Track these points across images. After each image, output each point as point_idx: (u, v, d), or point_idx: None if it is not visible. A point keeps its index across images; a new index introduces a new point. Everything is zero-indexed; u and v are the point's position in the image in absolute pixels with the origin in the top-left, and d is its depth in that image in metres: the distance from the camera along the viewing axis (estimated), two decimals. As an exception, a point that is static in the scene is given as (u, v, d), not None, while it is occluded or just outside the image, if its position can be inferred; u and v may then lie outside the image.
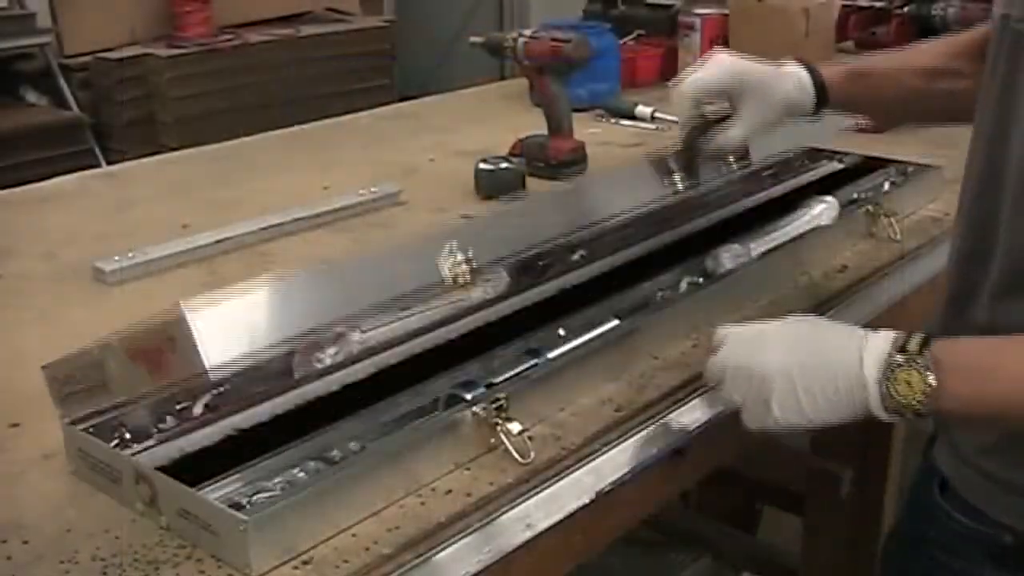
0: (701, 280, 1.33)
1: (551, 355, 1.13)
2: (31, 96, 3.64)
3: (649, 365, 1.17)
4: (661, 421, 1.10)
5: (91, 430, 1.00)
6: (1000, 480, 0.98)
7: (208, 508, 0.87)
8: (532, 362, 1.12)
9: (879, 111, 1.43)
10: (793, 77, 1.27)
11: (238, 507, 0.90)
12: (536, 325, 1.20)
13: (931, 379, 0.89)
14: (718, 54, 1.29)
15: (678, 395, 1.13)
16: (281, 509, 0.86)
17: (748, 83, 1.26)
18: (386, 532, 0.90)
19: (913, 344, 0.92)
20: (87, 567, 0.87)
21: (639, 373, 1.15)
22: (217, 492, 0.92)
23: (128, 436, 1.03)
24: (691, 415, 1.12)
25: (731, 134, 1.28)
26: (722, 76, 1.27)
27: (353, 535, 0.90)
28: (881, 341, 0.93)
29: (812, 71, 1.27)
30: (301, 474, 0.97)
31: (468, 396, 1.04)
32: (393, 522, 0.91)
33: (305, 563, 0.87)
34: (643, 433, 1.08)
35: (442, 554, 0.90)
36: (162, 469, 0.94)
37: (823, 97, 1.27)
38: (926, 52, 1.29)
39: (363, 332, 1.16)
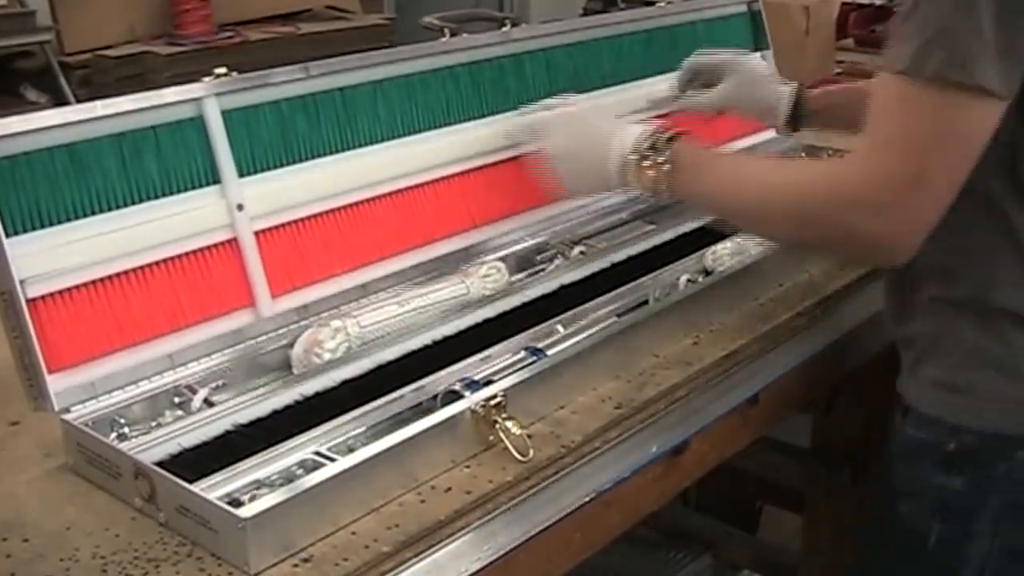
0: (700, 278, 1.33)
1: (550, 352, 1.13)
2: (31, 94, 3.63)
3: (649, 363, 1.16)
4: (660, 419, 1.10)
5: (90, 424, 1.00)
6: (942, 384, 1.09)
7: (207, 506, 0.87)
8: (531, 359, 1.12)
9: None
10: (773, 84, 1.50)
11: (237, 504, 0.90)
12: (535, 322, 1.19)
13: (668, 150, 1.17)
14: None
15: (678, 393, 1.13)
16: (280, 506, 0.86)
17: (734, 70, 1.49)
18: (385, 530, 0.90)
19: (661, 141, 1.18)
20: (87, 565, 0.87)
21: (639, 371, 1.15)
22: (216, 489, 0.92)
23: (127, 431, 1.03)
24: (690, 413, 1.12)
25: (702, 100, 1.51)
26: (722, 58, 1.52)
27: (353, 533, 0.90)
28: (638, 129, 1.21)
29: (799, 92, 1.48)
30: (300, 471, 0.97)
31: (467, 393, 1.04)
32: (393, 520, 0.91)
33: (305, 560, 0.87)
34: (643, 431, 1.08)
35: (442, 552, 0.90)
36: (160, 465, 0.94)
37: (799, 110, 1.48)
38: None
39: (362, 327, 1.16)
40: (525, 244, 1.41)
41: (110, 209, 1.06)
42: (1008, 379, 1.06)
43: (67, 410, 1.01)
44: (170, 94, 1.10)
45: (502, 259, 1.34)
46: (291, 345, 1.15)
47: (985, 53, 0.95)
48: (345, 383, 1.11)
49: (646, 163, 1.18)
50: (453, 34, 1.37)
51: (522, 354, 1.13)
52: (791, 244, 1.31)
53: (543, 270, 1.38)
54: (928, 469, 1.10)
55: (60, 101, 3.59)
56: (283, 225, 1.19)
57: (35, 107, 3.55)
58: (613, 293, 1.27)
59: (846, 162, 1.05)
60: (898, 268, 1.12)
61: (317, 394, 1.09)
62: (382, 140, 1.28)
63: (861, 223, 1.02)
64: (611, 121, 1.26)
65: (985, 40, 0.95)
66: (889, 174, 1.00)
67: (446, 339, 1.20)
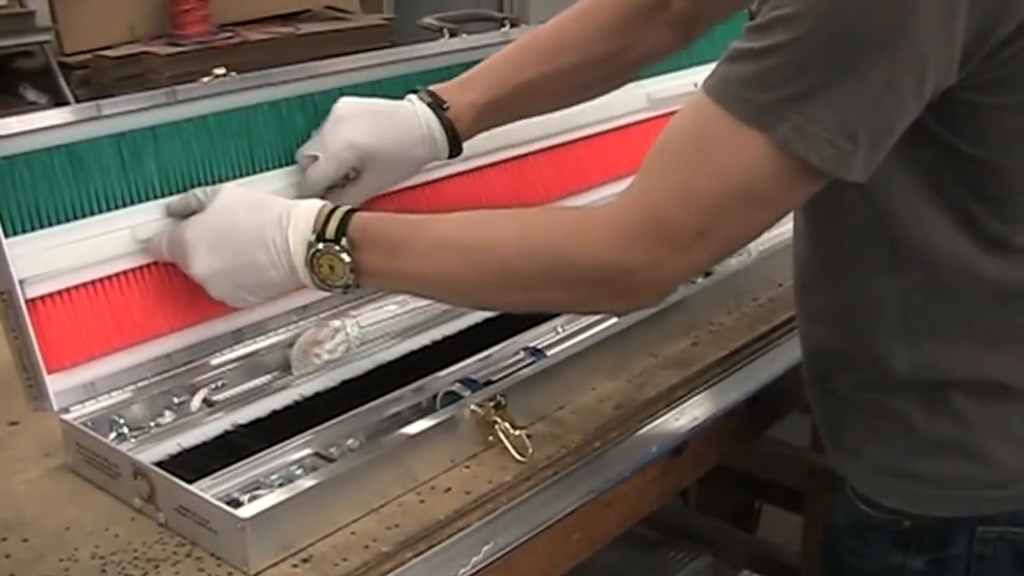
0: (700, 278, 1.33)
1: (550, 353, 1.13)
2: (31, 94, 3.63)
3: (648, 363, 1.16)
4: (660, 419, 1.10)
5: (89, 424, 1.00)
6: (885, 468, 0.98)
7: (206, 505, 0.87)
8: (531, 360, 1.12)
9: (531, 114, 1.31)
10: (424, 145, 1.18)
11: (236, 504, 0.90)
12: (535, 323, 1.19)
13: (348, 260, 0.96)
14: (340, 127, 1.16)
15: (677, 393, 1.13)
16: (279, 506, 0.86)
17: (374, 159, 1.16)
18: (385, 530, 0.90)
19: (331, 230, 0.97)
20: (87, 565, 0.87)
21: (638, 371, 1.15)
22: (215, 488, 0.92)
23: (126, 431, 1.03)
24: (690, 413, 1.12)
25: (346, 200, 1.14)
26: (346, 161, 1.15)
27: (352, 533, 0.90)
28: (302, 225, 0.98)
29: (442, 120, 1.18)
30: (299, 471, 0.97)
31: (466, 393, 1.04)
32: (392, 520, 0.91)
33: (304, 561, 0.87)
34: (642, 431, 1.08)
35: (441, 552, 0.90)
36: (159, 465, 0.94)
37: (456, 143, 1.20)
38: (580, 41, 1.20)
39: (361, 328, 1.16)
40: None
41: (109, 209, 1.06)
42: (971, 462, 0.94)
43: (66, 410, 1.01)
44: (169, 94, 1.10)
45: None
46: (290, 345, 1.15)
47: (860, 141, 0.78)
48: (344, 383, 1.11)
49: (319, 257, 0.97)
50: (452, 34, 1.38)
51: (521, 354, 1.13)
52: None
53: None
54: (881, 545, 0.99)
55: (59, 101, 3.60)
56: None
57: (34, 107, 3.56)
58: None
59: (617, 204, 0.88)
60: (805, 352, 1.06)
61: (316, 394, 1.09)
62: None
63: (622, 278, 0.87)
64: (266, 212, 1.01)
65: (865, 119, 0.78)
66: (672, 225, 0.84)
67: (445, 339, 1.20)
